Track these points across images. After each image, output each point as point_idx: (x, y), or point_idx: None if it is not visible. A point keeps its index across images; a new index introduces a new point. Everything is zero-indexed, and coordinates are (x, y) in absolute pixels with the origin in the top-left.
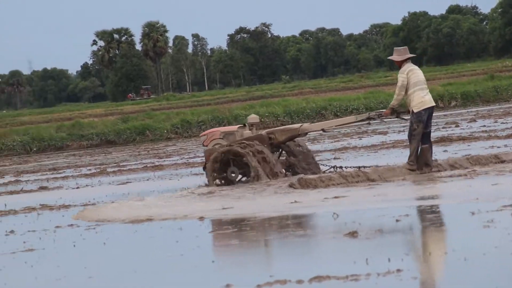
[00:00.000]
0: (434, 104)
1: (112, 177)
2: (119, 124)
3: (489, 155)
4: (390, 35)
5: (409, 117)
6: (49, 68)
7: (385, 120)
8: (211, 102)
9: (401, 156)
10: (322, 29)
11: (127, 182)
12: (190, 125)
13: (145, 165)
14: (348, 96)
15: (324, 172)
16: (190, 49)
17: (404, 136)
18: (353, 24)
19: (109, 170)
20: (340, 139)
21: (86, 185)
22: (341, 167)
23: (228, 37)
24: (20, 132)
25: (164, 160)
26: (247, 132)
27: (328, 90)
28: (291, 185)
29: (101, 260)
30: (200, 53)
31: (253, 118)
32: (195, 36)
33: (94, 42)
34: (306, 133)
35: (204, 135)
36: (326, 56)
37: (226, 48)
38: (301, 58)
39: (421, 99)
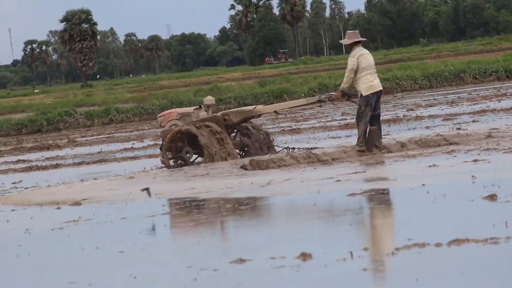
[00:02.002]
0: (381, 88)
1: None
2: (257, 88)
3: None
4: None
5: (358, 100)
6: (187, 32)
7: (335, 102)
8: None
9: None
10: None
11: None
12: (328, 88)
13: (282, 128)
14: (487, 59)
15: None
16: (327, 13)
17: None
18: None
19: None
20: (479, 102)
21: None
22: (293, 148)
23: (366, 1)
24: (159, 96)
25: (302, 124)
26: (203, 114)
27: (466, 52)
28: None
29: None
30: (337, 16)
31: (209, 100)
32: (333, 0)
33: (232, 7)
34: (260, 115)
35: (161, 116)
36: (464, 18)
37: (364, 11)
38: (439, 21)
39: (370, 83)
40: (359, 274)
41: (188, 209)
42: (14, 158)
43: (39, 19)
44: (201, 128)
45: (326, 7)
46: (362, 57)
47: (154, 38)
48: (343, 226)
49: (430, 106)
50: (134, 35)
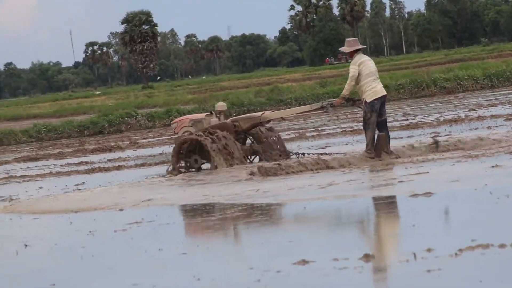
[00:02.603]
0: (385, 93)
1: (311, 142)
2: (317, 88)
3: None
4: None
5: (363, 106)
6: (247, 33)
7: (336, 109)
8: (409, 65)
9: None
10: None
11: (325, 147)
12: (389, 88)
13: (343, 129)
14: None
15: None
16: (387, 12)
17: None
18: None
19: (308, 134)
20: None
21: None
22: (303, 154)
23: (426, 0)
24: (220, 97)
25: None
26: (214, 120)
27: None
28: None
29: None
30: (397, 16)
31: (220, 106)
32: (393, 0)
33: (292, 7)
34: (269, 121)
35: (175, 122)
36: None
37: (424, 11)
38: (500, 20)
39: (373, 89)
40: (422, 275)
41: (250, 211)
42: (76, 160)
43: (100, 21)
44: (208, 136)
45: (386, 7)
46: (363, 64)
47: (215, 39)
48: (406, 227)
49: (492, 106)
50: (195, 36)
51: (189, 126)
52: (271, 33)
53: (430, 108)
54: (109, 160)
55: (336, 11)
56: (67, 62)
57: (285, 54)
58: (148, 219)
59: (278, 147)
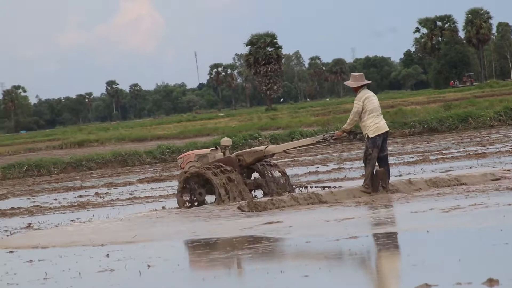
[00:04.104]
0: (388, 129)
1: (434, 165)
2: (442, 111)
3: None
4: None
5: (365, 141)
6: (371, 55)
7: (338, 142)
8: None
9: None
10: None
11: (449, 170)
12: None
13: (467, 152)
14: None
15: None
16: None
17: None
18: None
19: (431, 157)
20: None
21: (409, 173)
22: (306, 187)
23: None
24: (343, 120)
25: (487, 148)
26: (219, 155)
27: None
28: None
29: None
30: None
31: (225, 141)
32: None
33: (417, 30)
34: (273, 155)
35: (181, 158)
36: None
37: None
38: None
39: (376, 125)
40: None
41: (373, 231)
42: None
43: (224, 43)
44: (213, 170)
45: None
46: (368, 100)
47: (339, 62)
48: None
49: None
50: (319, 59)
51: (194, 161)
52: (396, 56)
53: None
54: None
55: (461, 34)
56: (192, 84)
57: (410, 77)
58: (267, 241)
59: (283, 181)
